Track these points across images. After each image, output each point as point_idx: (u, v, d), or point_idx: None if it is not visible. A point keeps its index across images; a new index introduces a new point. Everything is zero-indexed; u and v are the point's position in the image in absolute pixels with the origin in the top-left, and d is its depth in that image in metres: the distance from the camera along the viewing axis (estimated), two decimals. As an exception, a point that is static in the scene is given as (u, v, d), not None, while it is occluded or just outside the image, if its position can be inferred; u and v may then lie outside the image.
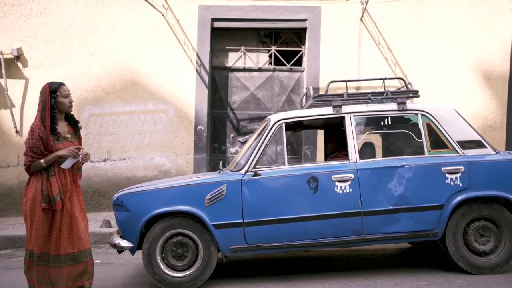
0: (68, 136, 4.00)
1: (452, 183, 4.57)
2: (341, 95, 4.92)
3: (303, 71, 8.71)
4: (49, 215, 3.82)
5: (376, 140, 5.53)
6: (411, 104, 4.89)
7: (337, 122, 5.27)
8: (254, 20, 8.47)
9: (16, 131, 8.38)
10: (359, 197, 4.55)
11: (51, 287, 3.83)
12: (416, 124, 4.77)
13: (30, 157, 3.82)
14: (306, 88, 7.59)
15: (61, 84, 4.03)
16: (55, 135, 3.90)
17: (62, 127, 4.00)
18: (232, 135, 8.73)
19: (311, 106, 5.10)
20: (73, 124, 4.10)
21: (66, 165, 3.87)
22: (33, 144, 3.80)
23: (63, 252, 3.82)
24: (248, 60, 8.77)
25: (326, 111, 4.84)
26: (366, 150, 5.09)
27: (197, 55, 8.44)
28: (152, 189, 4.67)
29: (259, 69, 8.74)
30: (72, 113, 4.10)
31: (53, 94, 3.94)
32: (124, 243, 4.58)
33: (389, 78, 5.15)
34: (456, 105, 5.50)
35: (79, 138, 4.10)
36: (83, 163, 4.06)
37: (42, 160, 3.81)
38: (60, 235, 3.82)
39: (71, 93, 4.15)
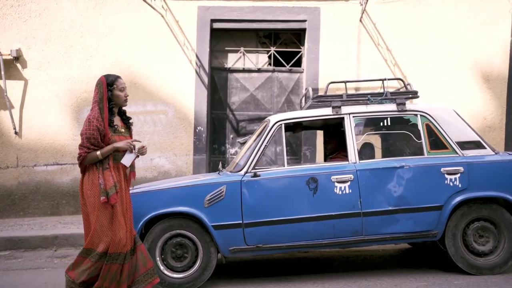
0: (122, 130, 3.93)
1: (451, 184, 4.57)
2: (341, 96, 4.93)
3: (302, 72, 8.71)
4: (110, 209, 3.69)
5: (376, 140, 5.53)
6: (410, 104, 4.89)
7: (336, 123, 5.27)
8: (254, 21, 8.48)
9: (16, 132, 8.37)
10: (359, 197, 4.55)
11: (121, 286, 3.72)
12: (416, 125, 4.78)
13: (86, 148, 3.70)
14: (306, 89, 7.59)
15: (117, 77, 3.93)
16: (111, 128, 3.82)
17: (117, 121, 3.93)
18: (231, 136, 8.73)
19: (310, 107, 5.10)
20: (125, 120, 4.02)
21: (127, 161, 3.79)
22: (91, 135, 3.69)
23: (111, 251, 3.69)
24: (248, 61, 8.77)
25: (325, 112, 4.85)
26: (366, 150, 5.09)
27: (197, 56, 8.44)
28: (152, 190, 4.67)
29: (259, 70, 8.74)
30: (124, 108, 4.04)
31: (109, 86, 3.85)
32: (123, 244, 4.58)
33: (389, 79, 5.15)
34: (455, 105, 5.49)
35: (130, 135, 4.02)
36: (137, 157, 3.91)
37: (98, 152, 3.70)
38: (126, 230, 3.73)
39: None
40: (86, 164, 3.75)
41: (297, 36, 8.81)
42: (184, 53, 8.43)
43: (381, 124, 5.10)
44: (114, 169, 3.77)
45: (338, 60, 8.37)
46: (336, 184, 4.57)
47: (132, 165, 3.95)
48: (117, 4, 8.44)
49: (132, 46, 8.43)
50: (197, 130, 8.40)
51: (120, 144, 3.77)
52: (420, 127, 4.74)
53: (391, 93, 4.95)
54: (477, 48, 8.30)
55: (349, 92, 5.26)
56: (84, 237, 3.84)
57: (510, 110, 8.28)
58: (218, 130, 8.77)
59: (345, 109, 4.81)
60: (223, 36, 8.77)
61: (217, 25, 8.52)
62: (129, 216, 3.85)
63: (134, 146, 3.81)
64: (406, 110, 4.80)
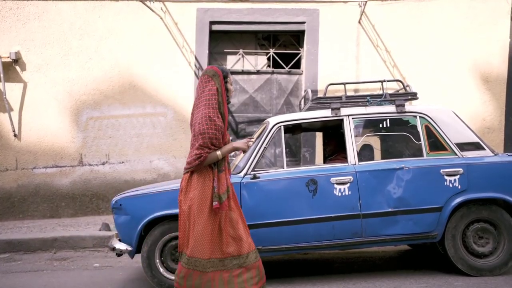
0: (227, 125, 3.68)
1: (450, 185, 4.57)
2: (340, 97, 4.93)
3: (301, 74, 8.71)
4: (217, 215, 3.44)
5: (375, 142, 5.53)
6: (409, 106, 4.89)
7: (335, 125, 5.27)
8: (252, 23, 8.48)
9: (15, 135, 8.37)
10: (358, 199, 4.55)
11: None
12: (415, 126, 4.78)
13: (207, 148, 3.41)
14: (305, 90, 7.60)
15: (229, 70, 3.68)
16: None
17: None
18: (230, 138, 8.70)
19: (309, 109, 5.10)
20: None
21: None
22: (213, 135, 3.41)
23: (227, 254, 3.47)
24: (247, 63, 8.77)
25: (324, 114, 4.85)
26: (365, 152, 5.09)
27: (196, 58, 8.44)
28: (151, 193, 4.67)
29: (258, 72, 8.74)
30: None
31: (225, 78, 3.59)
32: (123, 246, 4.58)
33: (388, 81, 5.17)
34: (454, 106, 5.50)
35: None
36: None
37: (218, 152, 3.45)
38: (225, 236, 3.48)
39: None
40: (204, 165, 3.46)
41: (296, 38, 8.81)
42: (183, 55, 8.43)
43: (381, 125, 5.10)
44: (226, 171, 3.55)
45: (337, 62, 8.37)
46: (335, 185, 4.56)
47: (229, 162, 3.76)
48: (116, 6, 8.45)
49: (131, 48, 8.43)
50: (196, 132, 8.37)
51: (239, 144, 3.60)
52: (419, 128, 4.74)
53: (390, 94, 4.96)
54: (476, 49, 8.31)
55: (348, 93, 5.26)
56: (180, 241, 3.56)
57: (509, 111, 8.28)
58: (217, 132, 8.74)
59: (344, 111, 4.81)
60: (222, 38, 8.77)
61: (216, 27, 8.52)
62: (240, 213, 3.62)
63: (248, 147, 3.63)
64: (405, 112, 4.80)
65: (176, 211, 4.45)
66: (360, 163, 4.69)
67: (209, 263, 3.44)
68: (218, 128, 3.44)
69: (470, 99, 8.28)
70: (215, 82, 3.53)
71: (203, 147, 3.41)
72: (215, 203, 3.40)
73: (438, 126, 4.73)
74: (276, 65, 8.75)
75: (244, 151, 3.67)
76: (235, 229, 3.52)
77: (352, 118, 4.80)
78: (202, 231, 3.41)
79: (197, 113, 3.53)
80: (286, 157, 4.91)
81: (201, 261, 3.43)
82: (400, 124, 4.97)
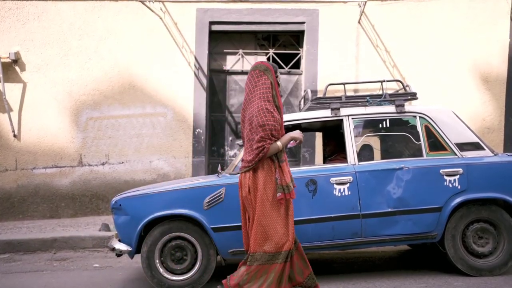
0: None
1: (450, 185, 4.57)
2: (339, 97, 4.93)
3: (301, 74, 8.71)
4: (281, 207, 3.52)
5: (375, 142, 5.53)
6: (409, 106, 4.89)
7: (335, 125, 5.26)
8: (252, 23, 8.48)
9: (14, 135, 8.36)
10: (358, 199, 4.55)
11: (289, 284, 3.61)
12: (415, 127, 4.78)
13: (269, 139, 3.47)
14: (304, 90, 7.59)
15: (277, 66, 3.75)
16: None
17: None
18: (230, 138, 8.73)
19: (309, 109, 5.10)
20: None
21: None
22: (273, 126, 3.46)
23: (286, 248, 3.56)
24: (246, 63, 8.76)
25: (324, 114, 4.84)
26: (365, 152, 5.08)
27: (195, 58, 8.44)
28: (151, 193, 4.66)
29: (257, 72, 8.72)
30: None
31: (276, 73, 3.70)
32: (122, 246, 4.57)
33: (387, 81, 5.16)
34: (454, 106, 5.50)
35: None
36: None
37: (279, 143, 3.51)
38: (285, 230, 3.56)
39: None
40: (267, 156, 3.51)
41: (296, 38, 8.81)
42: (182, 55, 8.43)
43: (380, 125, 5.09)
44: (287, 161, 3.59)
45: (336, 62, 8.37)
46: (335, 186, 4.56)
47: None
48: (115, 6, 8.44)
49: (131, 48, 8.43)
50: (196, 133, 8.39)
51: (296, 134, 3.63)
52: (419, 128, 4.74)
53: (390, 94, 4.95)
54: (476, 49, 8.31)
55: (348, 93, 5.26)
56: (245, 241, 3.65)
57: (509, 111, 8.28)
58: (217, 132, 8.76)
59: (344, 111, 4.81)
60: (222, 38, 8.77)
61: (215, 27, 8.52)
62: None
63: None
64: (405, 112, 4.79)
65: (175, 211, 4.50)
66: (359, 163, 4.69)
67: (270, 257, 3.52)
68: (276, 119, 3.49)
69: (470, 99, 8.28)
70: (268, 76, 3.60)
71: (264, 139, 3.47)
72: (278, 194, 3.46)
73: (438, 126, 4.72)
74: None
75: (300, 142, 3.74)
76: (286, 224, 3.57)
77: (352, 118, 4.80)
78: (267, 225, 3.49)
79: (252, 107, 3.57)
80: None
81: (264, 255, 3.51)
82: (400, 124, 4.97)
